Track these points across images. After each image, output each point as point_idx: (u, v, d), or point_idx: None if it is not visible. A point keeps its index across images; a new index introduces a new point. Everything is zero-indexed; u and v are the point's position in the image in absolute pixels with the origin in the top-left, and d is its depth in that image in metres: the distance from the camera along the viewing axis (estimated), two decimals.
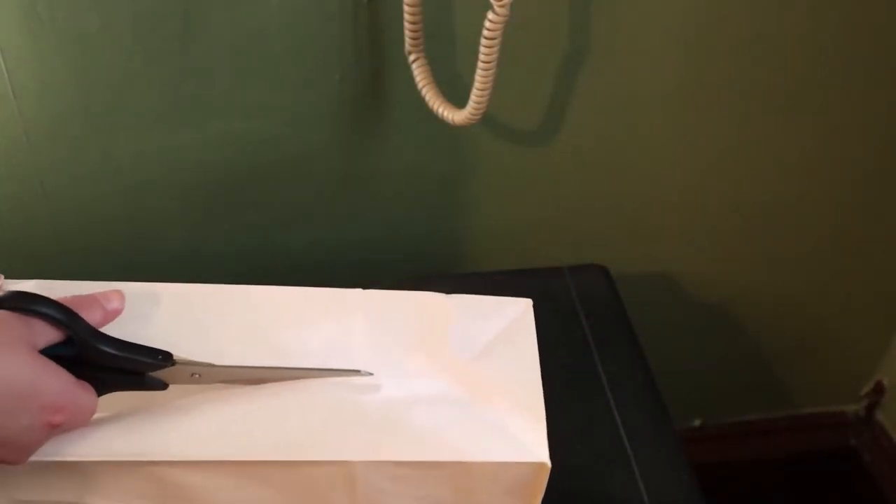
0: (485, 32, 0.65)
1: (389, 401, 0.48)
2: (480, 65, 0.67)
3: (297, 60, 0.74)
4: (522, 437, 0.47)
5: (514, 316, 0.54)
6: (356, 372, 0.49)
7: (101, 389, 0.45)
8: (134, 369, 0.45)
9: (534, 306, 0.54)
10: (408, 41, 0.72)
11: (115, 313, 0.47)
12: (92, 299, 0.46)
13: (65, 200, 0.79)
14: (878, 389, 1.26)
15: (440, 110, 0.73)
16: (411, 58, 0.73)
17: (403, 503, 0.48)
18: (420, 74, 0.73)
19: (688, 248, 1.02)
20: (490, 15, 0.63)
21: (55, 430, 0.42)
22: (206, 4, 0.69)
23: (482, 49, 0.66)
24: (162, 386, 0.46)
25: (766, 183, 0.97)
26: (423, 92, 0.74)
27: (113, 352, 0.44)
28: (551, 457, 0.47)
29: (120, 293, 0.48)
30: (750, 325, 1.13)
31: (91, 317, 0.45)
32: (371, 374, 0.49)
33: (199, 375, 0.47)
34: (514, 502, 0.49)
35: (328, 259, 0.91)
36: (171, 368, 0.46)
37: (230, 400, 0.47)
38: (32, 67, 0.70)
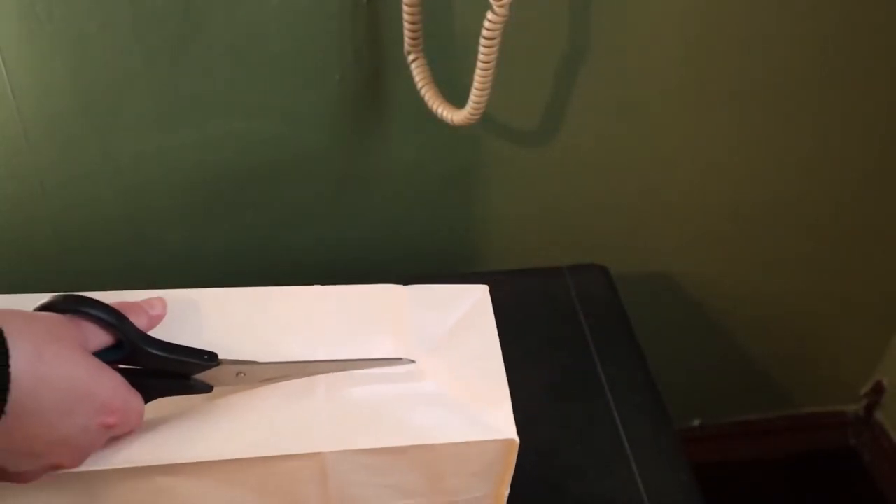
0: (484, 32, 0.65)
1: (356, 392, 0.49)
2: (480, 65, 0.67)
3: (297, 60, 0.75)
4: (489, 417, 0.48)
5: (472, 303, 0.55)
6: (399, 360, 0.50)
7: (148, 396, 0.45)
8: (181, 371, 0.46)
9: (533, 306, 0.55)
10: (407, 41, 0.72)
11: (159, 319, 0.48)
12: (136, 306, 0.47)
13: (64, 200, 0.79)
14: (878, 389, 1.26)
15: (439, 110, 0.73)
16: (410, 58, 0.73)
17: (375, 492, 0.48)
18: (419, 74, 0.73)
19: (687, 248, 1.02)
20: (489, 15, 0.63)
21: (108, 431, 0.43)
22: (206, 4, 0.69)
23: (481, 49, 0.66)
24: (207, 388, 0.47)
25: (766, 183, 0.97)
26: (423, 92, 0.74)
27: (161, 354, 0.45)
28: (551, 455, 0.47)
29: (162, 300, 0.49)
30: (750, 325, 1.13)
31: (136, 322, 0.45)
32: (413, 361, 0.50)
33: (244, 374, 0.48)
34: (486, 483, 0.50)
35: (328, 259, 0.91)
36: (217, 369, 0.47)
37: (203, 407, 0.48)
38: (31, 67, 0.70)
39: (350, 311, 0.53)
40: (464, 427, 0.47)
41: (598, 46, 0.80)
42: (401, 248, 0.93)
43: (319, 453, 0.45)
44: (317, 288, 0.54)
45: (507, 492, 0.51)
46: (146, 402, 0.45)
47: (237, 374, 0.47)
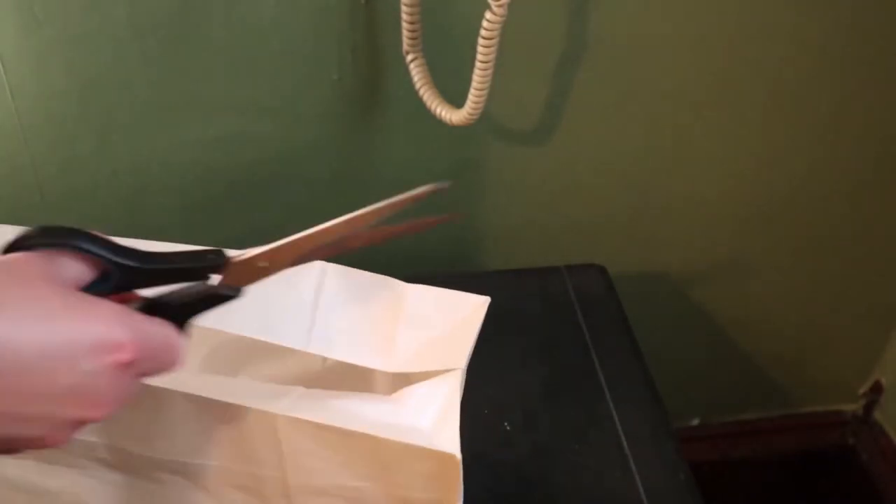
0: (482, 32, 0.65)
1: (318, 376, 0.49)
2: (478, 64, 0.67)
3: (295, 60, 0.75)
4: (433, 429, 0.47)
5: (466, 313, 0.54)
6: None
7: (178, 323, 0.40)
8: (189, 278, 0.41)
9: (532, 306, 0.55)
10: (406, 41, 0.72)
11: None
12: None
13: (62, 201, 0.79)
14: (877, 389, 1.26)
15: (438, 110, 0.73)
16: (409, 57, 0.73)
17: (331, 468, 0.48)
18: (418, 74, 0.73)
19: (686, 247, 1.02)
20: (488, 15, 0.64)
21: (130, 369, 0.37)
22: (204, 4, 0.69)
23: (480, 49, 0.66)
24: (235, 293, 0.42)
25: (765, 183, 0.97)
26: (421, 92, 0.74)
27: (158, 267, 0.40)
28: (550, 455, 0.47)
29: None
30: (748, 324, 1.13)
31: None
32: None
33: (268, 264, 0.44)
34: (433, 496, 0.49)
35: (326, 259, 0.91)
36: (236, 267, 0.42)
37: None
38: (29, 68, 0.70)
39: (349, 297, 0.53)
40: (409, 432, 0.47)
41: (598, 46, 0.80)
42: (399, 248, 0.92)
43: (270, 413, 0.46)
44: (320, 263, 0.53)
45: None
46: (181, 327, 0.40)
47: (260, 266, 0.44)
